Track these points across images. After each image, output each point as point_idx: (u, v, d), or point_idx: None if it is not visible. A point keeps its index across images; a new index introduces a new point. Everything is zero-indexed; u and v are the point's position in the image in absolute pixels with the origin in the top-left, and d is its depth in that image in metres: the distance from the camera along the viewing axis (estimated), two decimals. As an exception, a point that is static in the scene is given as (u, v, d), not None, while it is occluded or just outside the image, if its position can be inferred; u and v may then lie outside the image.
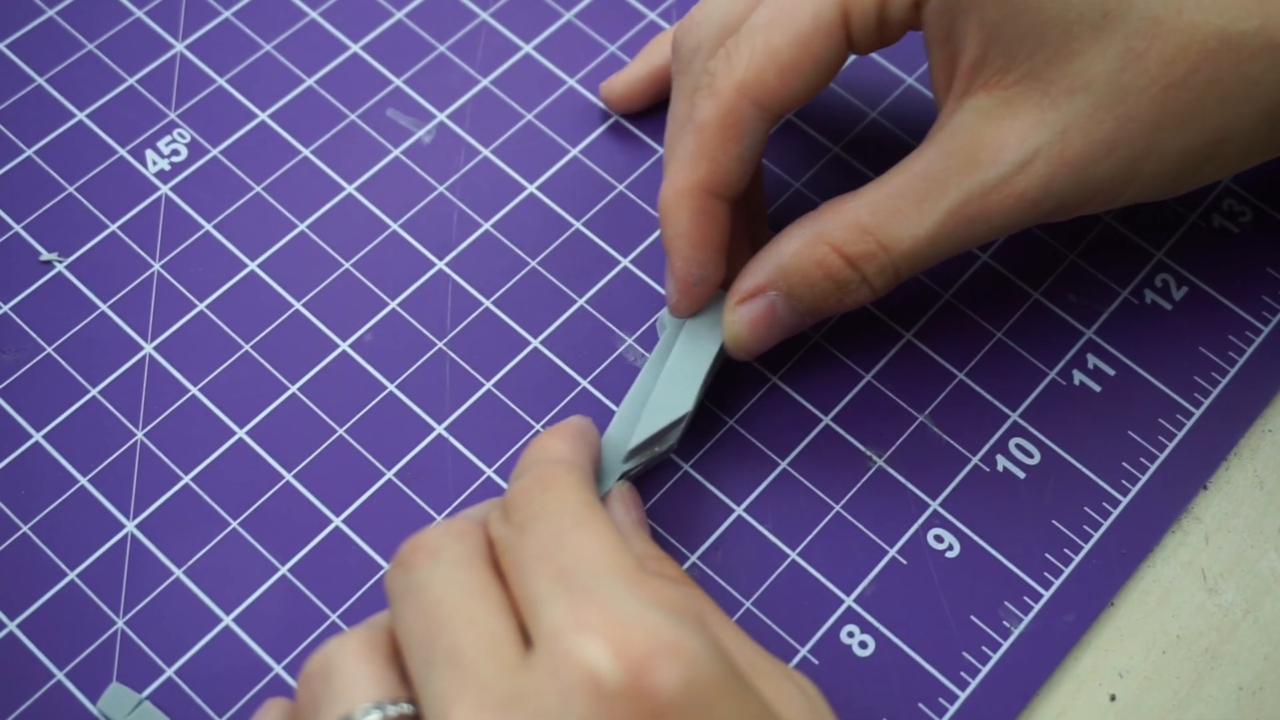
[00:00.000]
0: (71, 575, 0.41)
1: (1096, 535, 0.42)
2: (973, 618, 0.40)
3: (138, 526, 0.41)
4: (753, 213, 0.44)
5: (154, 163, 0.47)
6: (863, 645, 0.40)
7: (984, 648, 0.40)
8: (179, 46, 0.49)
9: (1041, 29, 0.37)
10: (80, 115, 0.48)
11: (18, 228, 0.46)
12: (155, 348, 0.44)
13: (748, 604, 0.41)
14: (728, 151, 0.39)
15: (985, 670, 0.40)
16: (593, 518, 0.32)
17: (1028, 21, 0.37)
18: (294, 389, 0.43)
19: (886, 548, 0.41)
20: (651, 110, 0.48)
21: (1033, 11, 0.37)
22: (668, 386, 0.41)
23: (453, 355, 0.44)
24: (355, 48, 0.49)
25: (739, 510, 0.42)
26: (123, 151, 0.47)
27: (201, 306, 0.45)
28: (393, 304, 0.45)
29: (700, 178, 0.39)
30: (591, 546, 0.31)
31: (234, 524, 0.41)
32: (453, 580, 0.32)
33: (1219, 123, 0.38)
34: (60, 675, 0.39)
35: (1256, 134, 0.39)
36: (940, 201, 0.38)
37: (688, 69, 0.41)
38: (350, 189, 0.47)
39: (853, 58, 0.49)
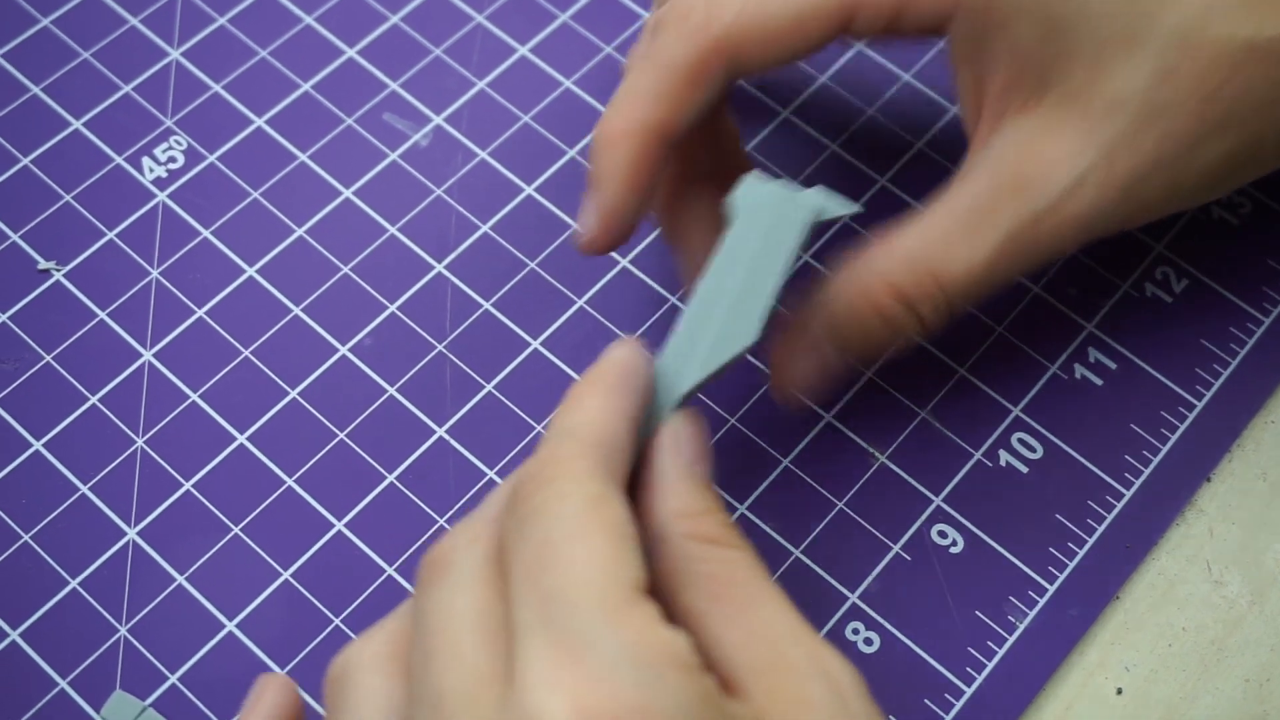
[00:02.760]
0: (73, 584, 0.40)
1: (1100, 529, 0.42)
2: (978, 613, 0.40)
3: (139, 534, 0.41)
4: (723, 152, 0.42)
5: (151, 170, 0.47)
6: (868, 642, 0.40)
7: (989, 643, 0.40)
8: (174, 54, 0.49)
9: (1073, 50, 0.36)
10: (76, 124, 0.48)
11: (15, 237, 0.46)
12: (155, 355, 0.44)
13: (752, 602, 0.41)
14: (690, 98, 0.37)
15: (991, 665, 0.40)
16: (590, 526, 0.30)
17: (1060, 44, 0.36)
18: (294, 394, 0.43)
19: (890, 544, 0.41)
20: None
21: (1064, 33, 0.36)
22: (730, 315, 0.36)
23: (453, 358, 0.44)
24: (351, 52, 0.49)
25: (741, 509, 0.42)
26: (119, 159, 0.47)
27: (200, 313, 0.44)
28: (392, 307, 0.45)
29: (657, 118, 0.37)
30: (580, 569, 0.29)
31: (236, 530, 0.41)
32: (452, 608, 0.31)
33: (1255, 128, 0.37)
34: (63, 684, 0.39)
35: None
36: (991, 233, 0.37)
37: None
38: (348, 193, 0.47)
39: (853, 51, 0.49)
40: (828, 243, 0.46)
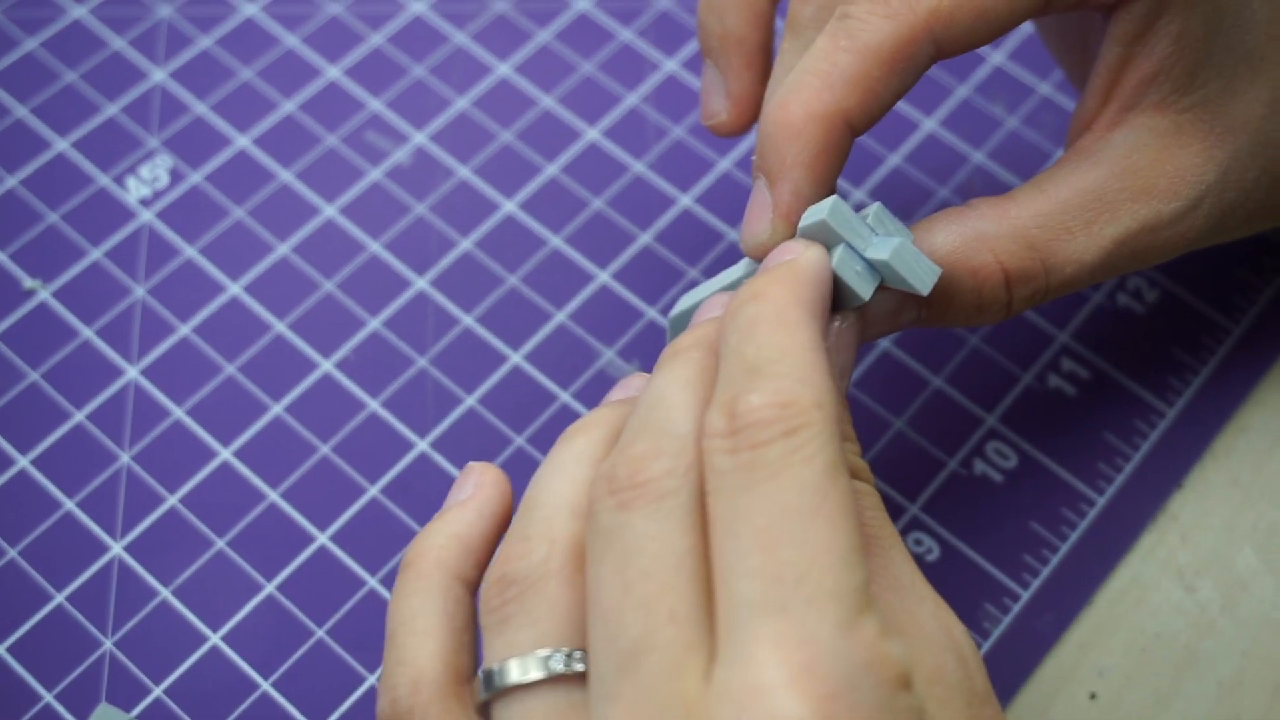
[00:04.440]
0: (59, 598, 0.41)
1: (1074, 536, 0.42)
2: (953, 620, 0.41)
3: (125, 548, 0.42)
4: None
5: (136, 190, 0.47)
6: (845, 649, 0.40)
7: (965, 649, 0.40)
8: (159, 75, 0.50)
9: (1224, 54, 0.36)
10: (62, 144, 0.48)
11: (1, 256, 0.46)
12: (140, 372, 0.44)
13: (730, 611, 0.41)
14: (889, 84, 0.34)
15: (966, 671, 0.40)
16: (831, 503, 0.27)
17: (1219, 42, 0.36)
18: (278, 409, 0.44)
19: (866, 553, 0.42)
20: (629, 128, 0.49)
21: (1225, 32, 0.35)
22: None
23: (434, 372, 0.44)
24: (333, 73, 0.50)
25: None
26: (105, 179, 0.48)
27: (185, 330, 0.45)
28: (374, 323, 0.45)
29: (850, 105, 0.34)
30: (822, 552, 0.27)
31: (220, 543, 0.42)
32: (668, 548, 0.28)
33: None
34: (49, 697, 0.39)
35: None
36: (1109, 228, 0.35)
37: None
38: (331, 211, 0.47)
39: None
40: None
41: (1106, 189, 0.36)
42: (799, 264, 0.32)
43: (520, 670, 0.29)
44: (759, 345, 0.29)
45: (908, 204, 0.47)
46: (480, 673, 0.29)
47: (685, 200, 0.47)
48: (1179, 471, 0.43)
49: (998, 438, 0.44)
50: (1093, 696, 0.40)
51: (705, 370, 0.31)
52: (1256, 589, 0.42)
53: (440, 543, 0.32)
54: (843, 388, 0.33)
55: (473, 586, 0.32)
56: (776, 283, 0.31)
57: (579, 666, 0.28)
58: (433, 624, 0.31)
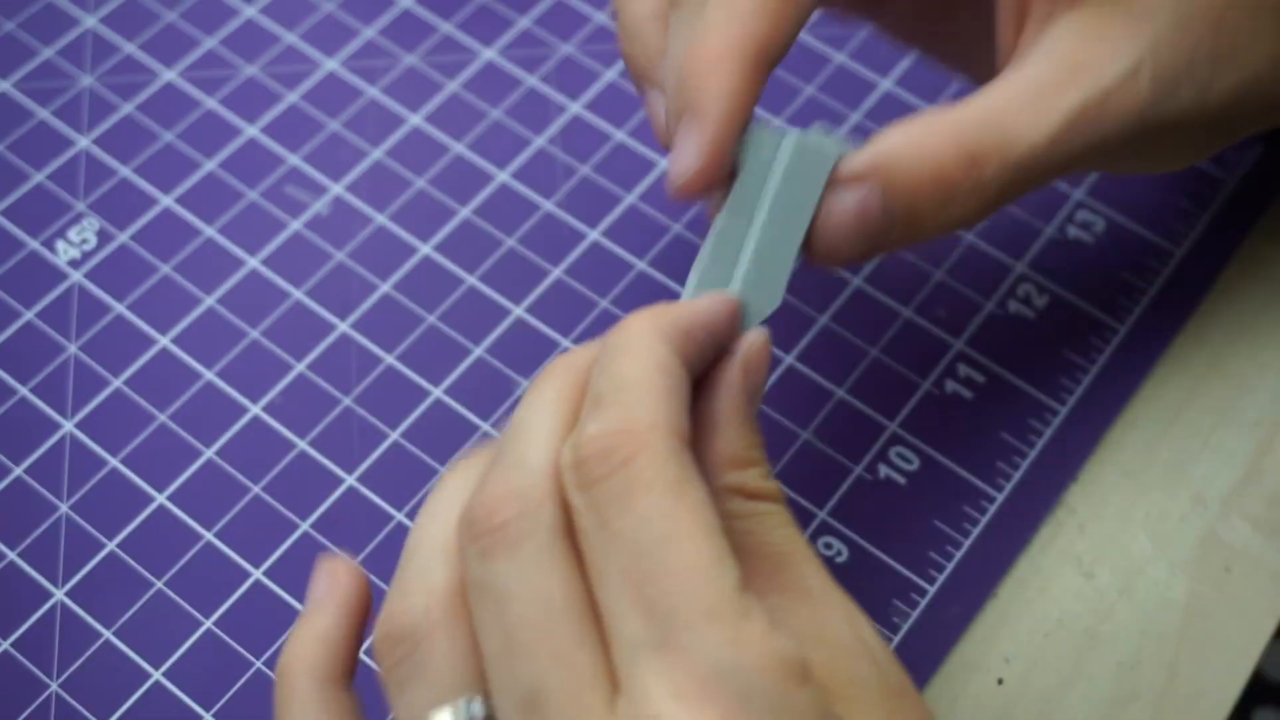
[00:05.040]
0: (5, 644, 0.42)
1: (976, 531, 0.44)
2: (864, 617, 0.43)
3: (66, 594, 0.43)
4: None
5: (65, 252, 0.49)
6: (762, 651, 0.42)
7: (876, 644, 0.42)
8: (84, 142, 0.51)
9: None
10: (-8, 212, 0.50)
11: (-63, 322, 0.48)
12: (75, 425, 0.46)
13: (652, 621, 0.43)
14: (790, 13, 0.35)
15: (878, 665, 0.42)
16: (681, 524, 0.28)
17: None
18: (210, 453, 0.45)
19: (779, 558, 0.44)
20: (537, 169, 0.51)
21: None
22: (753, 273, 0.35)
23: (360, 410, 0.46)
24: (252, 131, 0.52)
25: (639, 534, 0.44)
26: (34, 244, 0.49)
27: (117, 383, 0.47)
28: (300, 367, 0.47)
29: (761, 35, 0.34)
30: (684, 579, 0.27)
31: (159, 584, 0.43)
32: (535, 591, 0.28)
33: (1253, 62, 0.38)
34: (-2, 740, 0.41)
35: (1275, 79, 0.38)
36: (1059, 103, 0.36)
37: None
38: (254, 263, 0.49)
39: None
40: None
41: (1044, 76, 0.36)
42: (679, 304, 0.33)
43: None
44: (609, 376, 0.30)
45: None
46: None
47: (594, 234, 0.49)
48: (1074, 466, 0.45)
49: (900, 442, 0.46)
50: (1000, 682, 0.42)
51: (568, 398, 0.31)
52: (1151, 572, 0.44)
53: (307, 651, 0.32)
54: (754, 410, 0.34)
55: (347, 680, 0.33)
56: (646, 315, 0.32)
57: (480, 712, 0.29)
58: None
